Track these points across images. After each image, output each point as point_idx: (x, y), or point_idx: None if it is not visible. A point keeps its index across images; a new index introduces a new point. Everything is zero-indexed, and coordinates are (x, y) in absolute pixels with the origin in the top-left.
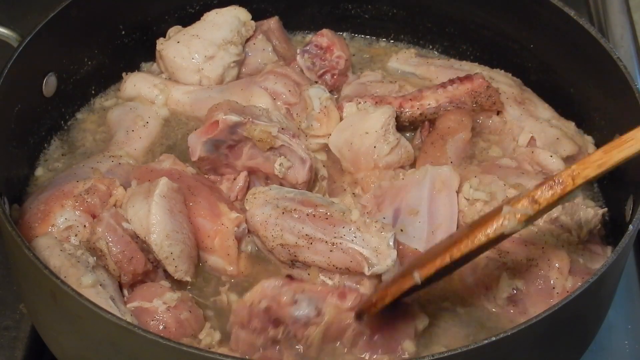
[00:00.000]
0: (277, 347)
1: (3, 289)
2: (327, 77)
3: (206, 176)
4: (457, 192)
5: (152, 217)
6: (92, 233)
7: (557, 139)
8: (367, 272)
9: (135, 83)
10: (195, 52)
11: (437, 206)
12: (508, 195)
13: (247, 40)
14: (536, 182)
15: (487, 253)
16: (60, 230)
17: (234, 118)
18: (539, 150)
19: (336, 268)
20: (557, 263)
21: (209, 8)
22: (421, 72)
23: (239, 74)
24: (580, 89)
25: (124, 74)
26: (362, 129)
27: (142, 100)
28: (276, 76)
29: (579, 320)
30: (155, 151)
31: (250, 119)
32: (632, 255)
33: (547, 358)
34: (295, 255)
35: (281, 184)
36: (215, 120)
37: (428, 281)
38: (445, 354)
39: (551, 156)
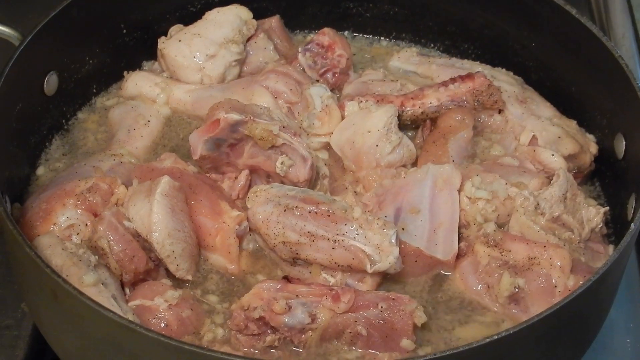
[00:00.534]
0: (277, 350)
1: (4, 288)
2: (329, 75)
3: (207, 175)
4: (459, 191)
5: (154, 216)
6: (94, 232)
7: (559, 137)
8: (369, 269)
9: (137, 82)
10: (197, 51)
11: (438, 205)
12: (510, 194)
13: (249, 39)
14: (538, 181)
15: (489, 251)
16: (61, 229)
17: (235, 117)
18: (541, 149)
19: (338, 265)
20: (558, 262)
21: (210, 7)
22: (422, 71)
23: (241, 73)
24: (581, 87)
25: (125, 73)
26: (365, 128)
27: (144, 99)
28: (277, 75)
29: (580, 319)
30: (157, 150)
31: (252, 118)
32: (634, 254)
33: (549, 357)
34: (297, 253)
35: (282, 183)
36: (217, 119)
37: None
38: (446, 353)
39: (553, 155)
